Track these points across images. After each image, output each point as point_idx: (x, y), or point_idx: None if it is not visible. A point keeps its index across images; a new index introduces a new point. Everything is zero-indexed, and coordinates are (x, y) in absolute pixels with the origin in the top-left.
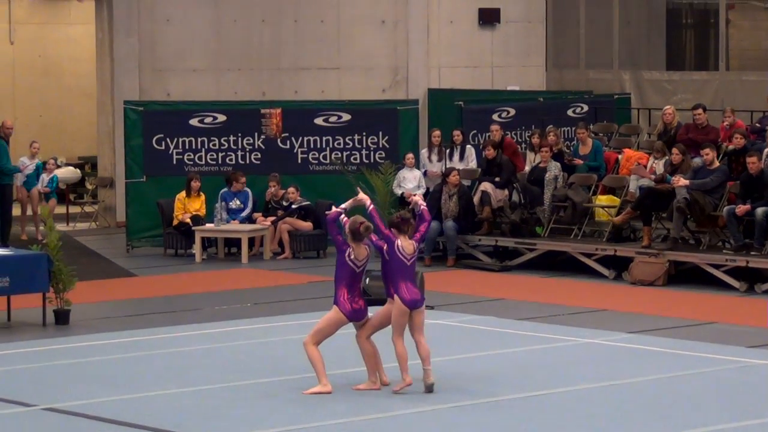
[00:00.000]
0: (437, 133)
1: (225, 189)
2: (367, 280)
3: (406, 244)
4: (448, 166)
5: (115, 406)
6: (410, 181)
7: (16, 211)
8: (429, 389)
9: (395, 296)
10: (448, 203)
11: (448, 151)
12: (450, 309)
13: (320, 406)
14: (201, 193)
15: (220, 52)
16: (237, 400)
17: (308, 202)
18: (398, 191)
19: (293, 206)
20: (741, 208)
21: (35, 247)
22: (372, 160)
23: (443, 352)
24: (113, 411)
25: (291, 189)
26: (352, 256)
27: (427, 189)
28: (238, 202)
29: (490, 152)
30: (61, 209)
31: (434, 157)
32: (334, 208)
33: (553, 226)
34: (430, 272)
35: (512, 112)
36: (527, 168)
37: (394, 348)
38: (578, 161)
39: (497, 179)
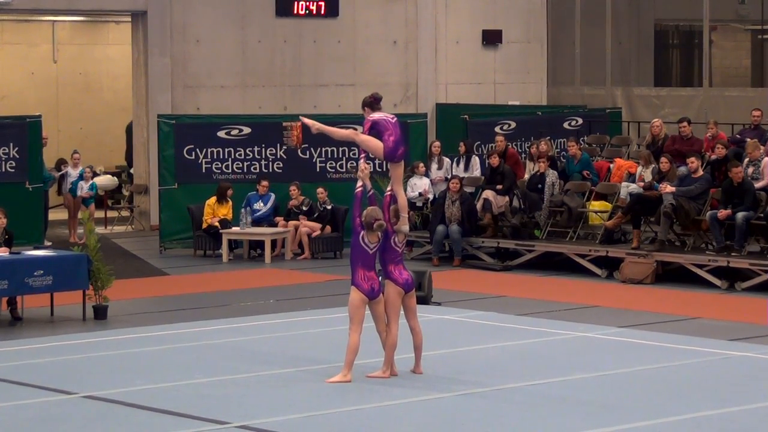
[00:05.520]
0: (437, 144)
1: (253, 192)
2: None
3: (372, 237)
4: (452, 174)
5: (149, 394)
6: (420, 188)
7: (64, 215)
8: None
9: (387, 280)
10: (451, 208)
11: (455, 159)
12: (456, 305)
13: (335, 395)
14: (229, 199)
15: (246, 70)
16: (260, 389)
17: (332, 205)
18: (410, 195)
19: (320, 207)
20: (723, 213)
21: (76, 248)
22: (384, 169)
23: (449, 345)
24: (147, 398)
25: (305, 198)
26: (366, 240)
27: (435, 196)
28: (261, 204)
29: (494, 160)
30: (99, 213)
31: (434, 166)
32: (358, 189)
33: (551, 229)
34: (437, 271)
35: (513, 124)
36: (527, 176)
37: (388, 335)
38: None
39: (499, 187)
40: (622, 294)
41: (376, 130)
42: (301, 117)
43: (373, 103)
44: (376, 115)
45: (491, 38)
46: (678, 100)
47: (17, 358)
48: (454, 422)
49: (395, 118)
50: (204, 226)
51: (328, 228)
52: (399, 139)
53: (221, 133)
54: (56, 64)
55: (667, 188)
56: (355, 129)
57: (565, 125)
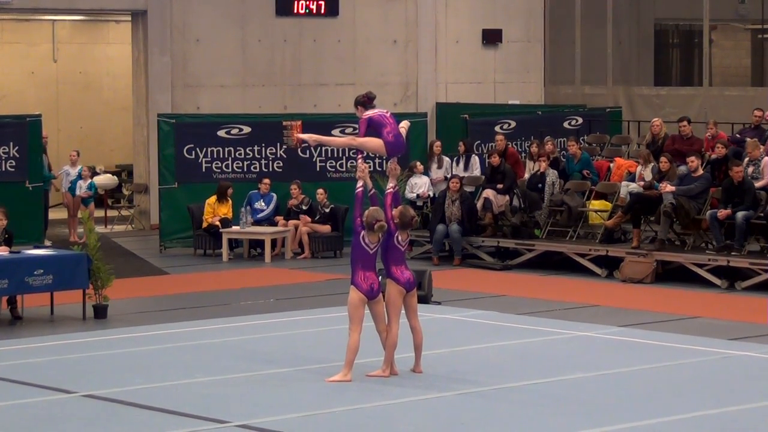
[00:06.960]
0: (438, 143)
1: (254, 191)
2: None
3: (372, 238)
4: (452, 173)
5: (149, 393)
6: (420, 187)
7: (64, 214)
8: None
9: (389, 279)
10: (451, 208)
11: (455, 159)
12: (456, 304)
13: (335, 394)
14: (229, 199)
15: (246, 70)
16: (260, 389)
17: (332, 206)
18: (410, 195)
19: (322, 209)
20: (723, 212)
21: (76, 247)
22: (384, 168)
23: (449, 344)
24: (146, 398)
25: (305, 197)
26: (366, 240)
27: (434, 195)
28: (262, 204)
29: (495, 159)
30: (99, 213)
31: (434, 165)
32: (359, 189)
33: (551, 228)
34: (438, 271)
35: (513, 124)
36: (527, 175)
37: (388, 333)
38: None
39: (500, 186)
40: (622, 293)
41: (372, 127)
42: (299, 136)
43: (366, 102)
44: (370, 112)
45: (491, 38)
46: (678, 100)
47: (17, 357)
48: (453, 421)
49: (389, 112)
50: (204, 225)
51: (328, 227)
52: (398, 132)
53: (221, 133)
54: (56, 63)
55: (667, 187)
56: (354, 129)
57: (565, 124)
